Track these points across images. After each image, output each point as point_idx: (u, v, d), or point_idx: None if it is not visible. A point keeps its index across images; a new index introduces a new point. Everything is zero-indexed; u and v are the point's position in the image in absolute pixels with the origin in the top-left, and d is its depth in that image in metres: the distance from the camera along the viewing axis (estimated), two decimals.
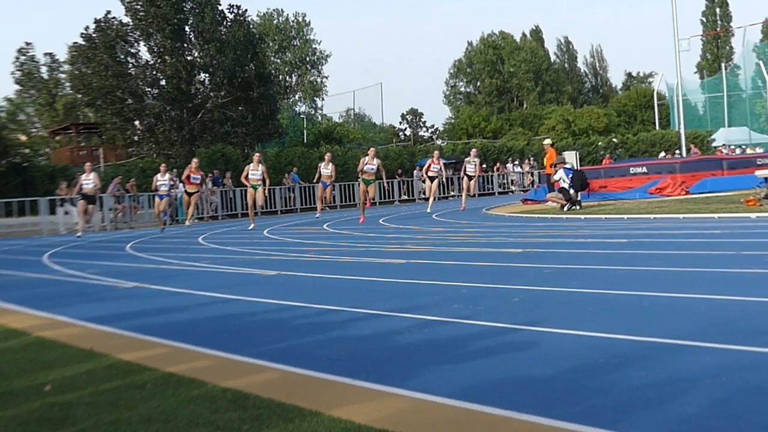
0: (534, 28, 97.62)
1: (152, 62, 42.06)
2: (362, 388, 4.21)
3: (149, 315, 7.23)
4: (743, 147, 55.11)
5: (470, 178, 25.99)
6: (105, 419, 3.86)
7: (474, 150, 27.88)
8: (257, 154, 24.61)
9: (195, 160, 23.24)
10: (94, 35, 41.06)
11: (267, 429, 3.55)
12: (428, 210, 24.36)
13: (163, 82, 41.85)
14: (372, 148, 24.19)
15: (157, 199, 24.14)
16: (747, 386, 3.78)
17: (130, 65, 42.01)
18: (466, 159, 26.78)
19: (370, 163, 22.09)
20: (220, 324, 6.65)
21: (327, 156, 24.92)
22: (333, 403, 3.90)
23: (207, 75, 43.25)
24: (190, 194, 23.07)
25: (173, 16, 40.79)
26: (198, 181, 23.01)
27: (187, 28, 42.43)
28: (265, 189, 22.85)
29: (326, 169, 23.83)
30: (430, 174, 24.33)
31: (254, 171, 22.65)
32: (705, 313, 5.70)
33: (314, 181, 27.76)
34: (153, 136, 41.96)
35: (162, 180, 23.64)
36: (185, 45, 42.40)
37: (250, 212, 23.89)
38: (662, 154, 46.24)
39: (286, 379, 4.55)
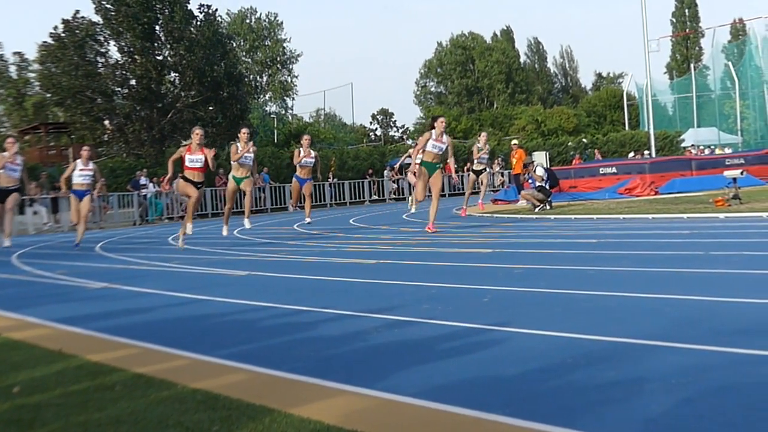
0: (505, 28, 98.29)
1: (122, 62, 41.96)
2: (332, 388, 4.21)
3: (119, 316, 7.19)
4: (712, 147, 55.74)
5: (477, 173, 21.75)
6: (74, 420, 3.84)
7: (484, 134, 22.74)
8: (245, 129, 16.39)
9: (198, 132, 14.78)
10: (63, 35, 40.83)
11: (236, 430, 3.55)
12: (412, 210, 18.46)
13: (132, 82, 41.83)
14: (441, 118, 16.43)
15: (72, 196, 17.48)
16: (713, 386, 3.82)
17: (100, 65, 41.92)
18: (477, 146, 21.56)
19: (439, 141, 15.76)
20: (190, 324, 6.62)
21: (305, 140, 18.26)
22: (303, 403, 3.90)
23: (177, 74, 43.17)
24: (196, 185, 14.68)
25: (143, 15, 40.68)
26: (200, 165, 14.53)
27: (157, 28, 42.30)
28: (252, 181, 16.31)
29: (308, 158, 17.87)
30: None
31: (248, 155, 15.87)
32: (673, 313, 5.75)
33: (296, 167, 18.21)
34: (123, 135, 41.88)
35: (84, 169, 17.17)
36: (155, 44, 42.28)
37: (246, 210, 16.65)
38: (631, 154, 46.61)
39: (255, 379, 4.54)
